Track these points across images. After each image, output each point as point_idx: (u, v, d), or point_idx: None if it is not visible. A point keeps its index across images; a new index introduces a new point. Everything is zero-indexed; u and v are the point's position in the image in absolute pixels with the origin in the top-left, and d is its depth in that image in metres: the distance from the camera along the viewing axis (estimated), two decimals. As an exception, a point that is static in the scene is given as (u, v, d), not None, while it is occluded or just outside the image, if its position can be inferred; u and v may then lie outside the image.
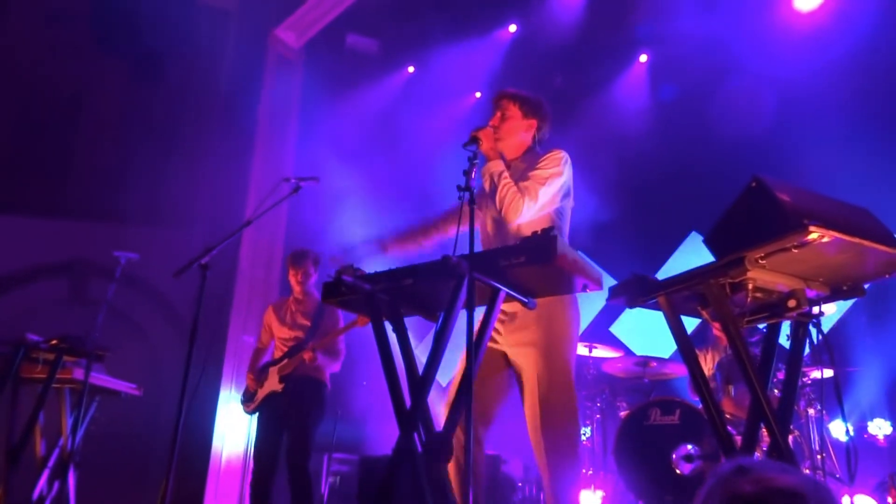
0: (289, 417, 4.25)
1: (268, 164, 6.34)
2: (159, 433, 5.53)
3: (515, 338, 2.75)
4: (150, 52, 6.67)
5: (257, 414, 4.42)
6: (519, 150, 3.00)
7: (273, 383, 4.35)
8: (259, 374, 4.46)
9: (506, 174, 2.77)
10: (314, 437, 4.27)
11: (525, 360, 2.71)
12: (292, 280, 4.58)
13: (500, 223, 2.85)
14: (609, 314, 7.04)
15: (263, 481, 4.22)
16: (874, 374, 5.06)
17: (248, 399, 4.47)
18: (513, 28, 7.22)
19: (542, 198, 2.75)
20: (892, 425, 4.76)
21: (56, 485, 3.97)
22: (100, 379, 4.07)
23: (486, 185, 2.78)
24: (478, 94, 7.46)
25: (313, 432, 4.26)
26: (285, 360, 4.37)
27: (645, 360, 5.09)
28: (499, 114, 2.98)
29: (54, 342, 3.87)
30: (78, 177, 6.74)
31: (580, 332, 2.84)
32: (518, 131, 2.99)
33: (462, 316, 2.23)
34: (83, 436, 4.10)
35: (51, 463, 4.01)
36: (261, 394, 4.39)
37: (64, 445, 4.04)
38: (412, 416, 2.24)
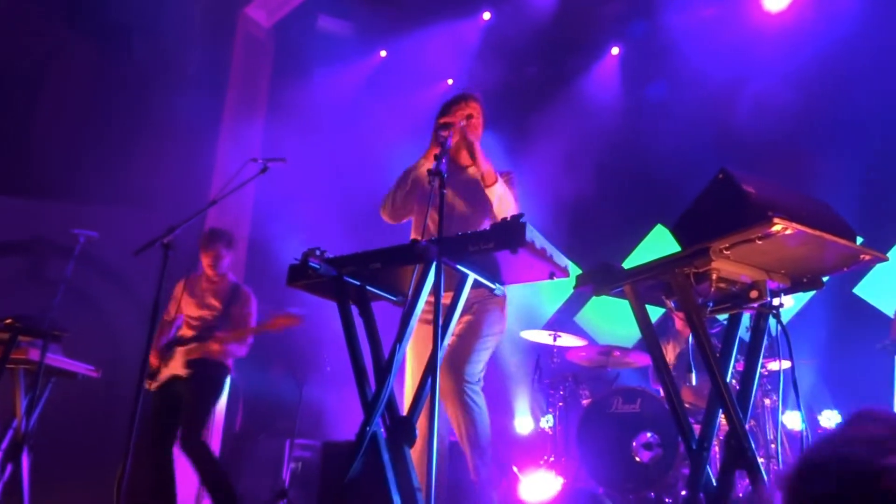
0: (188, 398, 4.15)
1: (234, 144, 6.23)
2: (117, 415, 5.42)
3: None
4: (115, 27, 6.48)
5: (156, 393, 4.26)
6: (468, 156, 3.10)
7: (177, 366, 4.22)
8: (164, 351, 4.32)
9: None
10: (208, 417, 4.26)
11: (455, 334, 2.85)
12: (203, 262, 4.44)
13: (457, 209, 2.90)
14: (573, 304, 7.11)
15: (165, 462, 4.16)
16: (822, 367, 5.21)
17: (151, 376, 4.26)
18: (487, 16, 7.20)
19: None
20: (841, 416, 4.91)
21: (9, 468, 3.87)
22: (56, 360, 3.97)
23: (484, 170, 2.86)
24: (450, 81, 7.44)
25: (208, 412, 4.27)
26: (193, 344, 4.24)
27: (608, 350, 5.16)
28: (470, 111, 3.05)
29: (9, 321, 3.76)
30: (38, 154, 6.54)
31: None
32: (478, 134, 3.13)
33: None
34: (38, 418, 4.00)
35: (4, 445, 3.91)
36: (165, 373, 4.24)
37: (18, 427, 3.93)
38: (377, 400, 2.23)
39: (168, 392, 4.21)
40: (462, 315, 2.85)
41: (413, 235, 3.06)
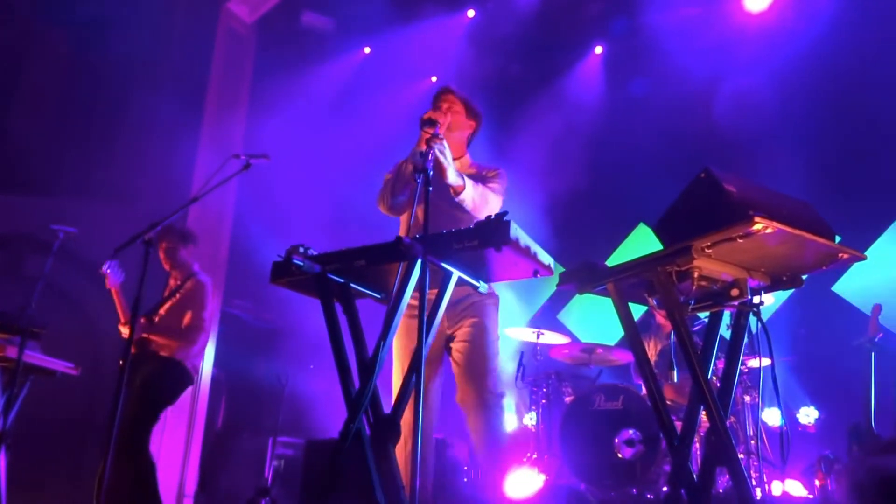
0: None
1: (216, 140, 6.18)
2: (97, 414, 5.36)
3: (455, 324, 2.93)
4: (95, 21, 6.38)
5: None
6: (458, 149, 3.13)
7: None
8: None
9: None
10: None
11: (462, 340, 2.90)
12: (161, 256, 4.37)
13: (441, 208, 2.90)
14: (557, 302, 7.15)
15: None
16: (801, 364, 5.28)
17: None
18: (471, 13, 7.19)
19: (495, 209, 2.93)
20: (818, 412, 4.99)
21: (-14, 466, 3.82)
22: (34, 357, 3.91)
23: (448, 175, 2.79)
24: (434, 79, 7.43)
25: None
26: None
27: (591, 347, 5.19)
28: (445, 106, 3.04)
29: (-14, 318, 3.71)
30: (16, 149, 6.44)
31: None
32: (461, 128, 3.14)
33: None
34: (16, 416, 3.94)
35: (-20, 443, 3.85)
36: None
37: (-6, 426, 3.88)
38: (360, 398, 2.23)
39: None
40: (463, 317, 2.91)
41: (402, 232, 3.05)
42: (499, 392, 2.87)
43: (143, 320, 3.98)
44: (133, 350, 3.93)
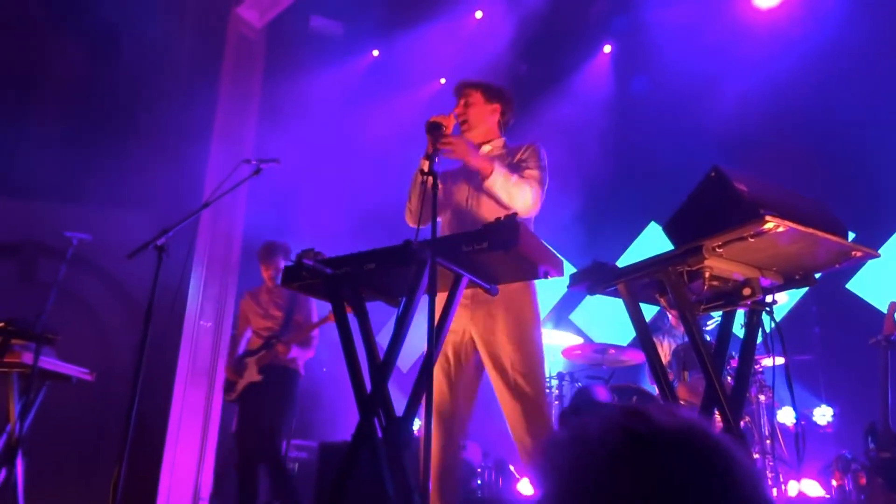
0: (266, 407, 4.37)
1: (227, 145, 6.21)
2: (112, 419, 5.40)
3: (485, 326, 2.73)
4: (106, 29, 6.44)
5: (237, 403, 4.54)
6: (488, 135, 3.03)
7: (252, 374, 4.46)
8: (237, 364, 4.56)
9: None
10: (284, 425, 4.43)
11: (497, 348, 2.70)
12: (265, 275, 4.68)
13: (461, 209, 2.87)
14: (569, 302, 7.13)
15: (249, 467, 4.35)
16: (816, 363, 5.23)
17: (228, 389, 4.57)
18: (479, 15, 7.19)
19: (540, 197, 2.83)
20: (833, 412, 4.93)
21: (3, 472, 3.85)
22: (50, 363, 3.95)
23: (476, 167, 2.74)
24: (442, 81, 7.43)
25: (282, 421, 4.41)
26: (262, 352, 4.47)
27: (604, 348, 5.17)
28: (462, 101, 3.01)
29: (1, 325, 3.74)
30: (29, 155, 6.51)
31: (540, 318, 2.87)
32: (484, 116, 3.03)
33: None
34: (32, 422, 3.98)
35: (-2, 450, 3.89)
36: (241, 384, 4.48)
37: (11, 432, 3.91)
38: (372, 401, 2.23)
39: (247, 400, 4.44)
40: (488, 317, 2.71)
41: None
42: (549, 412, 2.69)
43: (282, 345, 4.39)
44: (261, 365, 4.40)
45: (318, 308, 4.65)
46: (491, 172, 2.72)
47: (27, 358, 3.79)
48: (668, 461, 0.72)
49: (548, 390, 5.25)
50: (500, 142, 3.05)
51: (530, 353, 2.69)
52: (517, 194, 2.73)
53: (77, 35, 6.68)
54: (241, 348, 4.68)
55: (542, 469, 0.78)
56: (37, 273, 6.05)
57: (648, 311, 2.45)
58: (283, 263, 4.58)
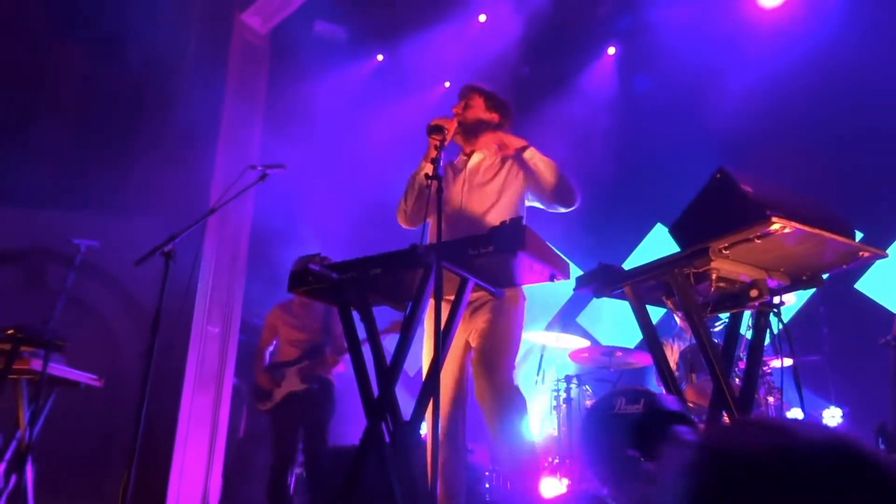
0: (308, 415, 4.47)
1: (233, 151, 6.23)
2: (121, 425, 5.42)
3: (479, 330, 2.81)
4: (111, 36, 6.48)
5: (275, 411, 4.58)
6: (482, 142, 3.05)
7: (293, 383, 4.53)
8: (274, 373, 4.61)
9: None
10: (328, 433, 4.55)
11: (484, 348, 2.78)
12: None
13: (455, 209, 2.88)
14: (575, 305, 7.11)
15: (283, 474, 4.43)
16: (825, 364, 5.20)
17: (263, 398, 4.59)
18: (482, 18, 7.21)
19: None
20: (842, 413, 4.90)
21: (13, 478, 3.86)
22: (59, 370, 3.97)
23: (534, 160, 2.87)
24: (447, 84, 7.45)
25: (328, 429, 4.54)
26: (305, 362, 4.53)
27: (611, 350, 5.15)
28: (463, 103, 3.03)
29: (10, 332, 3.75)
30: (36, 163, 6.55)
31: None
32: (482, 121, 3.06)
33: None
34: (41, 428, 4.00)
35: (7, 456, 3.90)
36: (279, 393, 4.53)
37: (21, 438, 3.93)
38: (380, 405, 2.23)
39: (286, 409, 4.51)
40: (479, 317, 2.79)
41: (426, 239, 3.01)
42: (514, 385, 2.75)
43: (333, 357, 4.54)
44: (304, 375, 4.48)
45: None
46: (525, 145, 2.89)
47: (36, 365, 3.81)
48: (827, 477, 0.68)
49: (555, 392, 5.25)
50: (492, 149, 3.08)
51: (504, 343, 2.78)
52: (548, 169, 2.90)
53: (82, 42, 6.72)
54: (268, 359, 4.76)
55: (680, 488, 0.73)
56: (45, 280, 6.09)
57: (655, 314, 2.43)
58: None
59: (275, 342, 4.80)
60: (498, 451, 2.80)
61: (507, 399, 2.67)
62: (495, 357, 2.73)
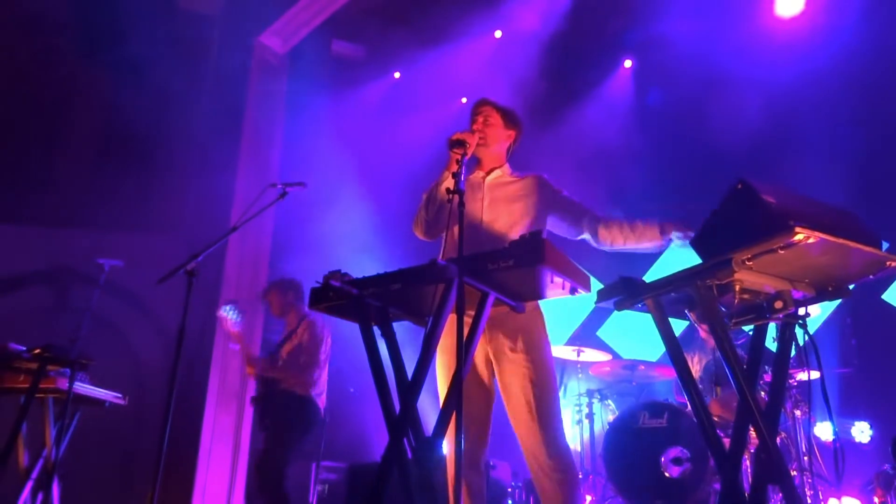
0: (262, 422, 4.44)
1: (253, 169, 6.31)
2: (145, 442, 5.46)
3: (500, 347, 2.73)
4: (133, 59, 6.61)
5: None
6: (498, 159, 3.05)
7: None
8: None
9: None
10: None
11: (514, 369, 2.69)
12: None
13: (475, 223, 2.87)
14: (596, 319, 7.06)
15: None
16: (854, 376, 5.11)
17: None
18: (498, 34, 7.24)
19: None
20: (871, 427, 4.81)
21: (40, 496, 3.91)
22: (84, 388, 4.02)
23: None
24: (464, 100, 7.48)
25: (286, 443, 4.34)
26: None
27: (633, 364, 5.11)
28: (481, 119, 3.03)
29: (37, 351, 3.81)
30: (61, 184, 6.67)
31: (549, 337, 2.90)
32: (499, 139, 3.07)
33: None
34: (67, 446, 4.04)
35: (34, 474, 3.94)
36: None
37: (48, 456, 3.97)
38: (401, 421, 2.23)
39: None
40: (505, 336, 2.71)
41: (444, 253, 3.00)
42: (567, 451, 2.63)
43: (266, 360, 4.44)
44: (260, 389, 4.41)
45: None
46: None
47: (62, 384, 3.86)
48: None
49: (577, 406, 5.20)
50: (507, 168, 3.08)
51: (545, 374, 2.68)
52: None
53: (105, 66, 6.86)
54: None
55: None
56: (70, 300, 6.18)
57: (678, 326, 2.40)
58: (276, 298, 4.69)
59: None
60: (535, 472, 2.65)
61: (563, 477, 2.57)
62: (547, 411, 2.60)
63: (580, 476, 2.61)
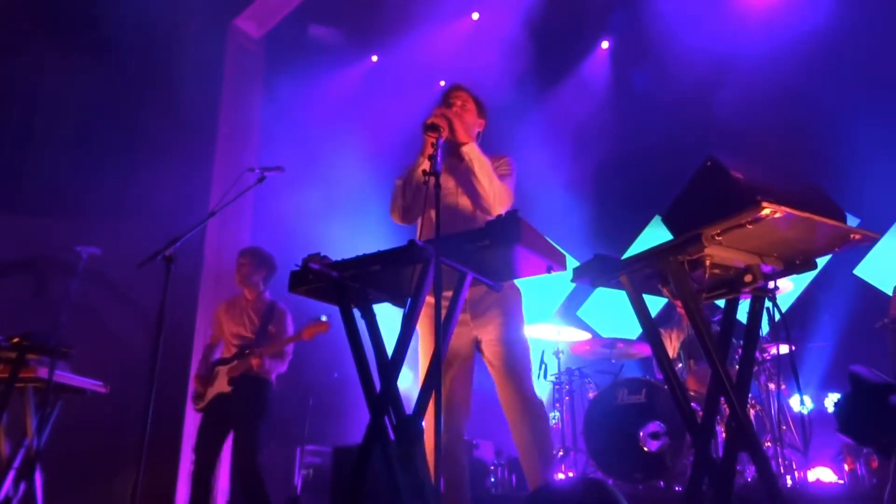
0: (236, 418, 4.21)
1: (231, 154, 6.27)
2: (127, 430, 5.45)
3: (483, 327, 2.88)
4: (107, 43, 6.52)
5: (204, 411, 4.37)
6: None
7: (222, 384, 4.30)
8: (207, 373, 4.42)
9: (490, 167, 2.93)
10: (261, 436, 4.22)
11: (495, 347, 2.86)
12: (236, 277, 4.56)
13: (448, 205, 2.91)
14: (576, 299, 7.14)
15: (205, 477, 4.20)
16: (830, 349, 5.23)
17: (196, 398, 4.42)
18: (475, 16, 7.23)
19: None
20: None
21: (22, 486, 3.90)
22: (65, 377, 4.00)
23: (474, 166, 2.88)
24: (442, 83, 7.46)
25: (260, 431, 4.21)
26: (235, 362, 4.30)
27: (612, 342, 5.18)
28: (458, 103, 3.07)
29: (16, 340, 3.79)
30: (36, 172, 6.59)
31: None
32: (473, 125, 3.14)
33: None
34: (49, 435, 4.03)
35: (16, 464, 3.93)
36: (210, 393, 4.34)
37: (29, 445, 3.96)
38: (382, 399, 2.26)
39: (214, 410, 4.28)
40: (487, 314, 2.87)
41: (418, 236, 3.04)
42: (538, 398, 2.86)
43: (257, 359, 4.24)
44: (231, 376, 4.25)
45: (295, 322, 4.53)
46: (468, 141, 2.91)
47: (42, 372, 3.84)
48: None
49: (556, 384, 5.28)
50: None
51: (521, 351, 2.90)
52: (494, 181, 2.90)
53: (79, 51, 6.76)
54: (214, 357, 4.54)
55: None
56: (49, 288, 6.12)
57: (657, 304, 2.46)
58: (250, 268, 4.50)
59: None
60: (524, 460, 2.83)
61: (538, 415, 2.81)
62: (520, 371, 2.85)
63: (551, 423, 2.84)
